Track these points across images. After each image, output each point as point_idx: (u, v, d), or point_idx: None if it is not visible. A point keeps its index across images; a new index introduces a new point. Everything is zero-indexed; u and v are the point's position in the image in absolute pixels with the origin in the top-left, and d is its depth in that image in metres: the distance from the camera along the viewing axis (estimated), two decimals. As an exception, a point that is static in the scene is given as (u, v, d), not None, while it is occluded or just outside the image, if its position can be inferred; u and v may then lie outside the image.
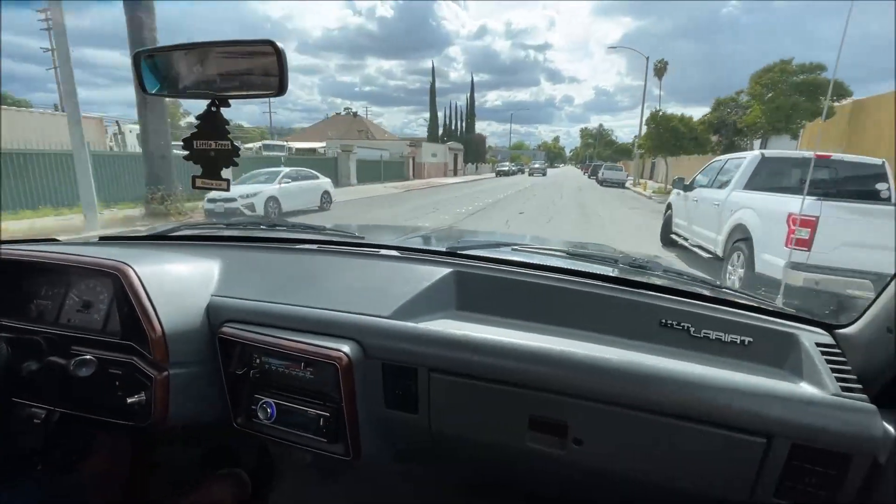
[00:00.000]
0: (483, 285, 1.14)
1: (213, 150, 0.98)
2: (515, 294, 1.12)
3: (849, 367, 0.86)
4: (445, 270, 1.16)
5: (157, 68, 0.96)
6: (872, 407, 0.78)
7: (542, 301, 1.09)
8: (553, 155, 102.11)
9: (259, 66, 0.92)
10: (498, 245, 1.39)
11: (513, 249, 1.35)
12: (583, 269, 1.16)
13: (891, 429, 0.76)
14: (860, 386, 0.82)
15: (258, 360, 1.07)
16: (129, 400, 1.02)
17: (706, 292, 1.10)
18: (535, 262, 1.20)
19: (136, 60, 0.95)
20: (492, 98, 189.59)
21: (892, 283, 0.81)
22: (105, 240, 1.54)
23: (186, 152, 0.99)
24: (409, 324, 1.01)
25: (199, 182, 1.00)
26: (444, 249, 1.30)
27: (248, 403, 1.10)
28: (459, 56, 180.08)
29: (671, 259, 6.16)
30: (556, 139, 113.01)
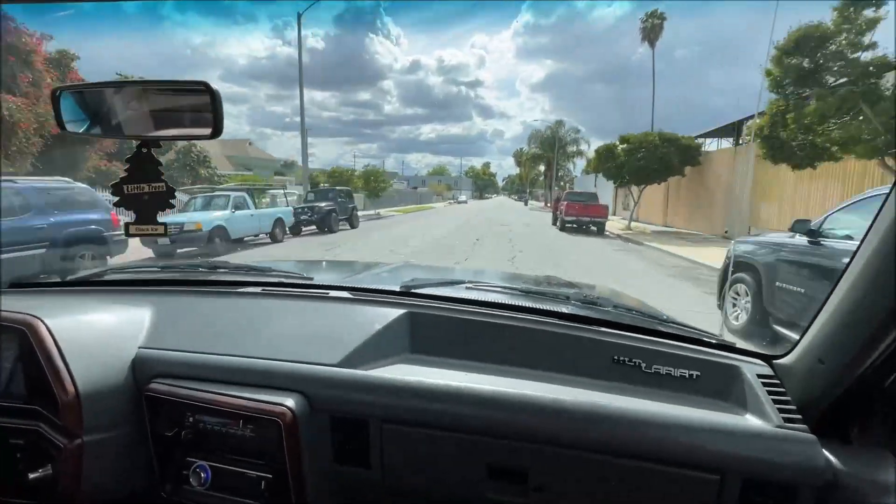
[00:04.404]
0: (437, 326, 1.12)
1: (147, 194, 0.91)
2: (470, 334, 1.10)
3: (788, 398, 0.89)
4: (398, 312, 1.13)
5: (80, 106, 0.88)
6: (813, 437, 0.81)
7: (498, 340, 1.08)
8: (483, 183, 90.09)
9: (192, 107, 0.88)
10: (452, 283, 1.38)
11: (467, 287, 1.33)
12: (537, 307, 1.16)
13: (831, 457, 0.79)
14: (800, 417, 0.85)
15: (191, 419, 0.97)
16: (31, 476, 0.89)
17: (655, 327, 1.13)
18: (489, 300, 1.19)
19: (55, 96, 0.87)
20: (426, 131, 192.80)
21: (821, 314, 0.85)
22: (16, 286, 1.36)
23: (116, 198, 0.92)
24: (359, 372, 0.97)
25: (133, 229, 0.93)
26: (397, 289, 1.26)
27: (179, 468, 1.00)
28: (393, 90, 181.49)
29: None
30: (487, 165, 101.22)
